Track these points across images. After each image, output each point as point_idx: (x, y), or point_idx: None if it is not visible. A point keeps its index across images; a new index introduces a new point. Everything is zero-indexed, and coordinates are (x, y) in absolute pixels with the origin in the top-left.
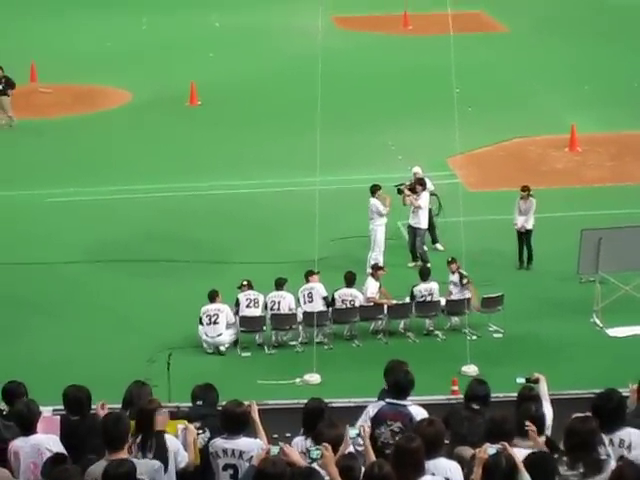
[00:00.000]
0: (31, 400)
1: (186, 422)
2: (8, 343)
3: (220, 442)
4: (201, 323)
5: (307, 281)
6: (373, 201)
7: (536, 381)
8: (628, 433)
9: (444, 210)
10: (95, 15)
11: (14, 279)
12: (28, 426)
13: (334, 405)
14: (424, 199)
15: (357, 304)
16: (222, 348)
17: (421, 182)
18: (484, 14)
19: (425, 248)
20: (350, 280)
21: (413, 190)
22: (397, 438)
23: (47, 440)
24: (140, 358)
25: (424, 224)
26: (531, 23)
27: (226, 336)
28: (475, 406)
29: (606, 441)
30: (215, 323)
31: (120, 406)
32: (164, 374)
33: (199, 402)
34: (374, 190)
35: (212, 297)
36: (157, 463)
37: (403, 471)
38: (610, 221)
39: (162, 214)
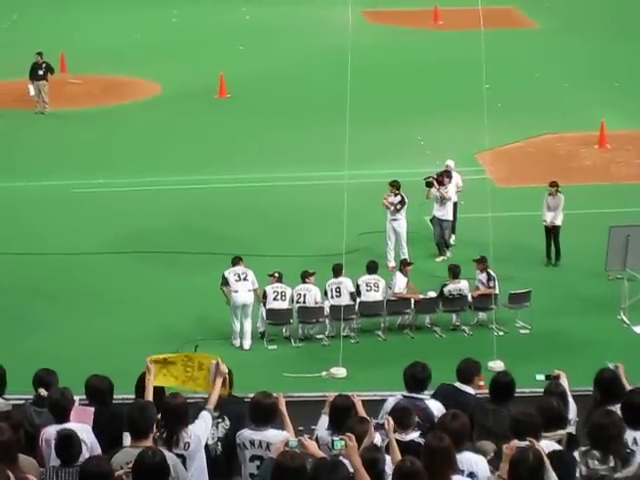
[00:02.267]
0: (66, 388)
1: (219, 358)
2: (29, 334)
3: (248, 433)
4: (225, 284)
5: (336, 276)
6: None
7: (557, 377)
8: None
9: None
10: (125, 7)
11: (37, 270)
12: (62, 414)
13: (360, 398)
14: (451, 191)
15: (380, 288)
16: (246, 342)
17: (448, 174)
18: (515, 10)
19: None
20: (372, 268)
21: (441, 182)
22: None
23: (80, 429)
24: (166, 350)
25: (451, 216)
26: (561, 20)
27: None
28: (500, 399)
29: (629, 440)
30: (245, 280)
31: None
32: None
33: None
34: (391, 185)
35: (236, 262)
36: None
37: (436, 470)
38: (638, 218)
39: (189, 206)
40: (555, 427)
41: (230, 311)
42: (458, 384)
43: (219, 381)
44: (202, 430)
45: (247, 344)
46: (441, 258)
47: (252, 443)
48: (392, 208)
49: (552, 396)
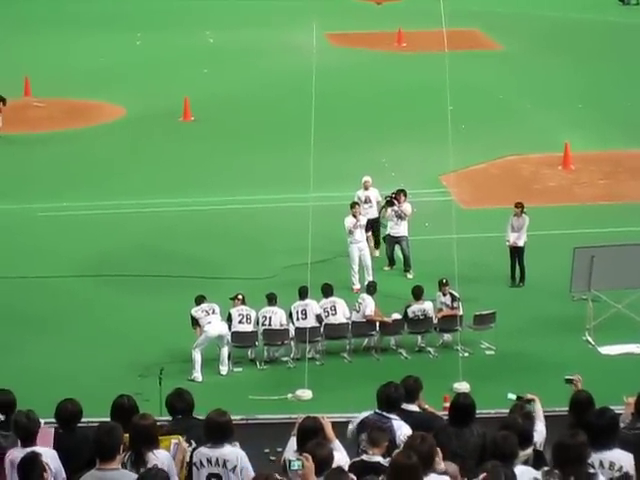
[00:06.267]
0: (30, 410)
1: (180, 438)
2: None
3: (204, 451)
4: (195, 324)
5: (302, 298)
6: (345, 219)
7: (529, 401)
8: (619, 457)
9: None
10: (90, 31)
11: (4, 293)
12: (28, 437)
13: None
14: (408, 209)
15: (338, 310)
16: (223, 368)
17: (404, 192)
18: (479, 32)
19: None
20: (327, 291)
21: (398, 200)
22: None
23: (45, 454)
24: (132, 373)
25: (406, 232)
26: (526, 42)
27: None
28: (460, 421)
29: (596, 462)
30: (214, 313)
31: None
32: (156, 389)
33: (179, 416)
34: (351, 207)
35: (199, 301)
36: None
37: None
38: (603, 239)
39: (154, 229)
40: (522, 445)
41: (196, 344)
42: (403, 405)
43: (180, 456)
44: (171, 460)
45: (224, 370)
46: (388, 268)
47: (209, 461)
48: (356, 230)
49: (517, 415)
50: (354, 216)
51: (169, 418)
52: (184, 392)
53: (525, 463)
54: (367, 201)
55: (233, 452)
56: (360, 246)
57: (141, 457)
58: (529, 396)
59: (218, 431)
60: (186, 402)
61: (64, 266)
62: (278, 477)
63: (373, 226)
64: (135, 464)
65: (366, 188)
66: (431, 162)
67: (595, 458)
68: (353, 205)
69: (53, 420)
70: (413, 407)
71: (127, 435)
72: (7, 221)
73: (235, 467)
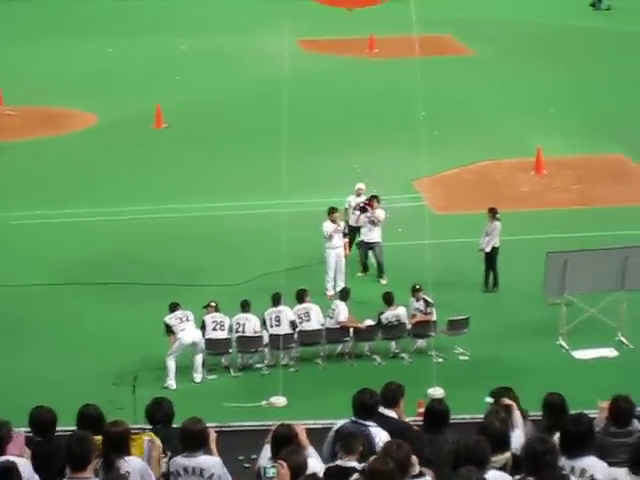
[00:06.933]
0: (5, 422)
1: (152, 435)
2: None
3: (180, 460)
4: (169, 331)
5: (275, 305)
6: (323, 224)
7: (507, 407)
8: (592, 465)
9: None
10: (61, 39)
11: None
12: None
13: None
14: (381, 214)
15: (312, 316)
16: (197, 376)
17: (377, 198)
18: (451, 38)
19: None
20: (301, 297)
21: (371, 206)
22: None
23: (18, 463)
24: (105, 381)
25: (380, 238)
26: (498, 47)
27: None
28: (435, 427)
29: (567, 469)
30: (187, 320)
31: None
32: (129, 397)
33: (158, 426)
34: (329, 213)
35: (174, 308)
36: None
37: None
38: (576, 244)
39: (127, 237)
40: (499, 449)
41: (170, 351)
42: (381, 409)
43: (156, 453)
44: (144, 467)
45: (198, 377)
46: (361, 274)
47: (185, 470)
48: (336, 235)
49: (493, 416)
50: (333, 222)
51: (143, 426)
52: (163, 402)
53: (503, 468)
54: (357, 208)
55: (209, 460)
56: (337, 252)
57: (112, 464)
58: (507, 402)
59: (193, 440)
60: (164, 412)
61: (37, 274)
62: None
63: (351, 233)
64: (106, 471)
65: (358, 195)
66: (404, 168)
67: (567, 464)
68: (332, 210)
69: (27, 428)
70: (391, 413)
71: (99, 440)
72: None
73: (212, 475)
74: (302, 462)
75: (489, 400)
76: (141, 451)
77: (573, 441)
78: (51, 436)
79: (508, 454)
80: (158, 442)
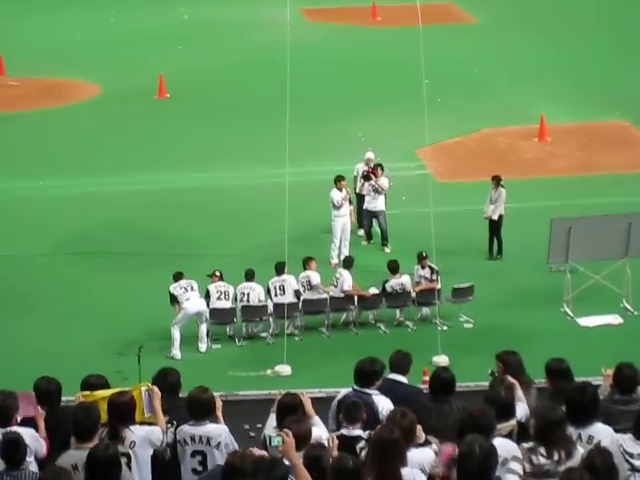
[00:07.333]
0: (11, 392)
1: (149, 384)
2: None
3: (187, 429)
4: (174, 300)
5: (279, 274)
6: (331, 192)
7: (510, 386)
8: (598, 431)
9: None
10: (64, 9)
11: None
12: (6, 419)
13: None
14: (385, 182)
15: (313, 282)
16: (202, 346)
17: (381, 166)
18: (453, 5)
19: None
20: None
21: (375, 174)
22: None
23: (24, 434)
24: (111, 351)
25: (384, 206)
26: (500, 14)
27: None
28: (441, 396)
29: (574, 436)
30: (192, 290)
31: None
32: (135, 366)
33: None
34: (337, 181)
35: (178, 277)
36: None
37: (385, 462)
38: (580, 210)
39: (130, 207)
40: (504, 417)
41: (175, 321)
42: (393, 375)
43: (157, 404)
44: (149, 432)
45: (203, 347)
46: (366, 243)
47: (192, 438)
48: (344, 203)
49: (501, 387)
50: (339, 190)
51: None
52: (169, 372)
53: (509, 435)
54: (362, 176)
55: (216, 429)
56: (344, 220)
57: (117, 433)
58: (510, 380)
59: (201, 408)
60: (169, 382)
61: (42, 244)
62: (256, 452)
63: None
64: (111, 439)
65: (367, 164)
66: (407, 136)
67: (574, 433)
68: (339, 178)
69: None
70: (402, 379)
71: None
72: None
73: (219, 443)
74: (307, 431)
75: (490, 372)
76: (140, 402)
77: (579, 411)
78: (56, 406)
79: (513, 422)
80: (156, 389)
